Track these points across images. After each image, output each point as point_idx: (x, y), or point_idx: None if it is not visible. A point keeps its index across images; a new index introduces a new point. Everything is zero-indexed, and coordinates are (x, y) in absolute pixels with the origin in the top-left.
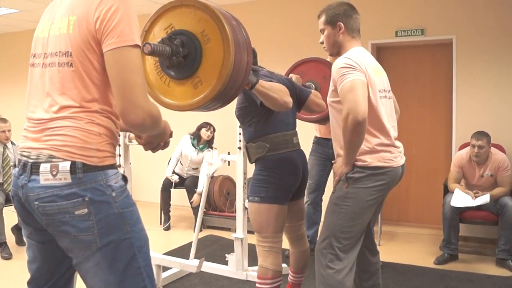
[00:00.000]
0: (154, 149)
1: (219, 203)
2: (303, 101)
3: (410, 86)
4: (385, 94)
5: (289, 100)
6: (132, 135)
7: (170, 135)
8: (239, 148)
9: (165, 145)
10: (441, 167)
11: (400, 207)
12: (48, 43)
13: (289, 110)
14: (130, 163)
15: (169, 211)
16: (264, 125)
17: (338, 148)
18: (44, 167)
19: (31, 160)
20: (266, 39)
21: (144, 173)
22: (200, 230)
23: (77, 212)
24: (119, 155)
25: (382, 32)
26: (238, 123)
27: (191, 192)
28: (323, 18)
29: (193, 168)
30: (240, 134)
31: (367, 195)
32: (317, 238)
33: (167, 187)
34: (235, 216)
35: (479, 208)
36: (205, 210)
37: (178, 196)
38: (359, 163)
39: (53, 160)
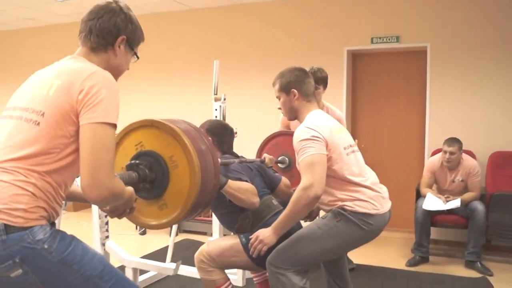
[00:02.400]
0: (120, 216)
1: None
2: (273, 189)
3: (385, 92)
4: (352, 149)
5: (256, 200)
6: None
7: (135, 201)
8: None
9: (131, 210)
10: (414, 173)
11: None
12: (23, 99)
13: (256, 208)
14: None
15: None
16: (240, 208)
17: (329, 209)
18: None
19: None
20: (251, 43)
21: None
22: (176, 235)
23: (12, 275)
24: None
25: (358, 38)
26: None
27: None
28: (277, 86)
29: None
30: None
31: (352, 238)
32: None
33: None
34: (210, 221)
35: (450, 212)
36: None
37: None
38: (348, 208)
39: None
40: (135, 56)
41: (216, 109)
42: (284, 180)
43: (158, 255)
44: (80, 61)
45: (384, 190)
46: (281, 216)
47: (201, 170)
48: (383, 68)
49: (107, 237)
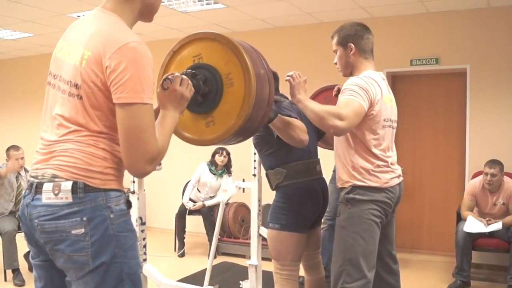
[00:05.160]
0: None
1: (233, 230)
2: (322, 134)
3: (424, 114)
4: (390, 123)
5: (305, 138)
6: None
7: (188, 86)
8: (254, 175)
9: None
10: (455, 195)
11: (414, 235)
12: (63, 67)
13: (305, 146)
14: (144, 190)
15: (184, 237)
16: (286, 153)
17: (342, 172)
18: (47, 186)
19: (36, 180)
20: (284, 66)
21: (158, 199)
22: (215, 257)
23: (73, 232)
24: (133, 181)
25: (397, 60)
26: (253, 150)
27: (207, 219)
28: (335, 39)
29: (210, 196)
30: (255, 161)
31: (369, 214)
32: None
33: (182, 213)
34: (249, 243)
35: (491, 235)
36: (219, 237)
37: (193, 222)
38: (358, 183)
39: (56, 179)
40: None
41: None
42: None
43: (196, 278)
44: (111, 21)
45: (398, 169)
46: (313, 105)
47: (256, 93)
48: (422, 90)
49: (144, 260)
